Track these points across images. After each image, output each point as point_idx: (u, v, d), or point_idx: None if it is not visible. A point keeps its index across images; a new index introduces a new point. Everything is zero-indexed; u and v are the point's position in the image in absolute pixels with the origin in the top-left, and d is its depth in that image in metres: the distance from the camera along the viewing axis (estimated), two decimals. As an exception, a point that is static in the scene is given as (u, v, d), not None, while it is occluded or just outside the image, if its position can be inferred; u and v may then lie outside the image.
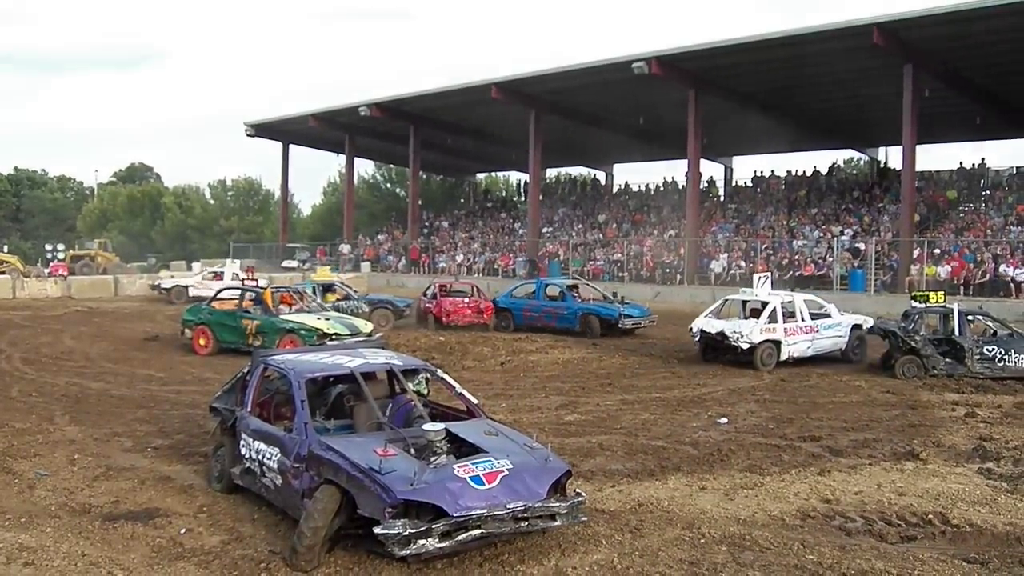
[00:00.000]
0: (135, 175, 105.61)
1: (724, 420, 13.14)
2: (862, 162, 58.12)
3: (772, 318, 18.64)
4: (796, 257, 36.34)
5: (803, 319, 19.05)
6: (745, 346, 18.29)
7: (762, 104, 40.31)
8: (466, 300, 26.88)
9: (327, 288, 26.68)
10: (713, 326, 19.10)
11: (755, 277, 20.95)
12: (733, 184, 52.82)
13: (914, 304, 18.07)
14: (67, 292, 39.33)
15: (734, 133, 44.92)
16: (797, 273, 35.19)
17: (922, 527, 8.17)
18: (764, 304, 19.10)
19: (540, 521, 7.18)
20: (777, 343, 18.49)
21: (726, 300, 20.94)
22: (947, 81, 34.00)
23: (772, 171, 49.37)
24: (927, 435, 12.02)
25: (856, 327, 19.83)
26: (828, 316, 19.82)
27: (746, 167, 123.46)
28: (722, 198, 50.40)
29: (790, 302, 19.45)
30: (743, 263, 37.44)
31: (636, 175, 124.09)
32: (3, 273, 43.68)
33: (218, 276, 37.56)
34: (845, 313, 20.63)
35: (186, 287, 37.23)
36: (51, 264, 50.21)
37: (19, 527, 8.06)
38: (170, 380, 17.08)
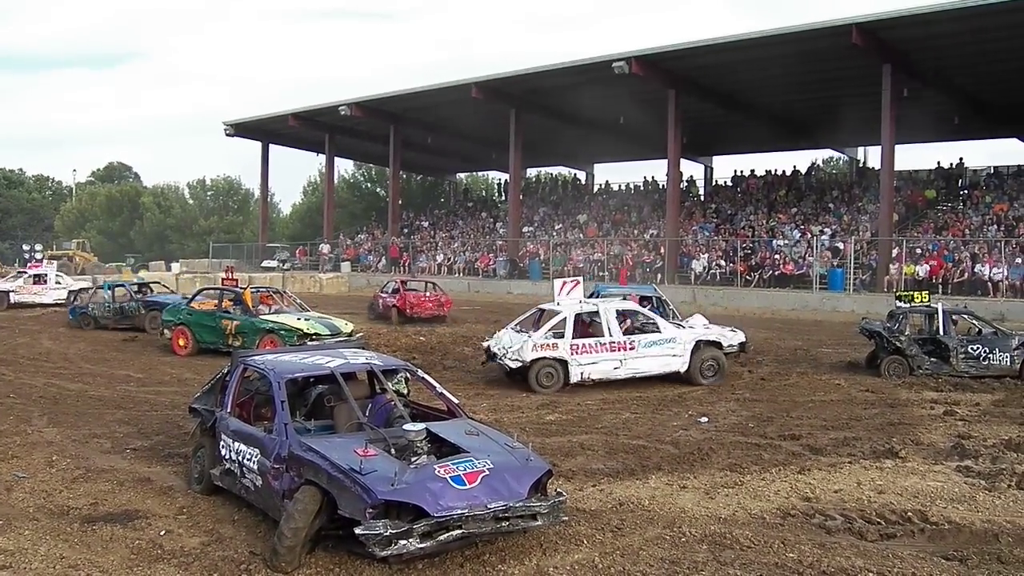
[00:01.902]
0: (114, 175, 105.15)
1: (704, 419, 13.17)
2: (841, 162, 58.37)
3: (558, 332, 16.09)
4: (776, 256, 36.47)
5: (610, 334, 16.14)
6: (513, 365, 15.83)
7: (742, 104, 40.52)
8: (427, 295, 29.14)
9: (119, 287, 28.05)
10: (496, 341, 16.68)
11: (555, 283, 17.70)
12: (713, 183, 53.04)
13: (899, 304, 18.11)
14: (45, 292, 38.93)
15: (714, 132, 45.16)
16: (777, 272, 35.36)
17: (901, 525, 8.20)
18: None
19: (521, 521, 7.16)
20: (563, 362, 15.78)
21: (542, 310, 17.82)
22: (925, 81, 34.23)
23: (752, 170, 49.61)
24: (906, 433, 12.08)
25: (707, 344, 16.70)
26: (656, 331, 16.62)
27: (726, 166, 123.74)
28: (702, 197, 50.57)
29: (592, 313, 16.68)
30: (723, 262, 37.61)
31: (617, 175, 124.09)
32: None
33: (40, 280, 34.10)
34: (691, 326, 17.46)
35: (7, 292, 32.99)
36: (29, 264, 49.97)
37: (-4, 529, 8.01)
38: (149, 381, 16.98)
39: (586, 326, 16.82)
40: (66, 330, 25.66)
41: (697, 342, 16.55)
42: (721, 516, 8.45)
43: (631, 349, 16.16)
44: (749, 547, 7.49)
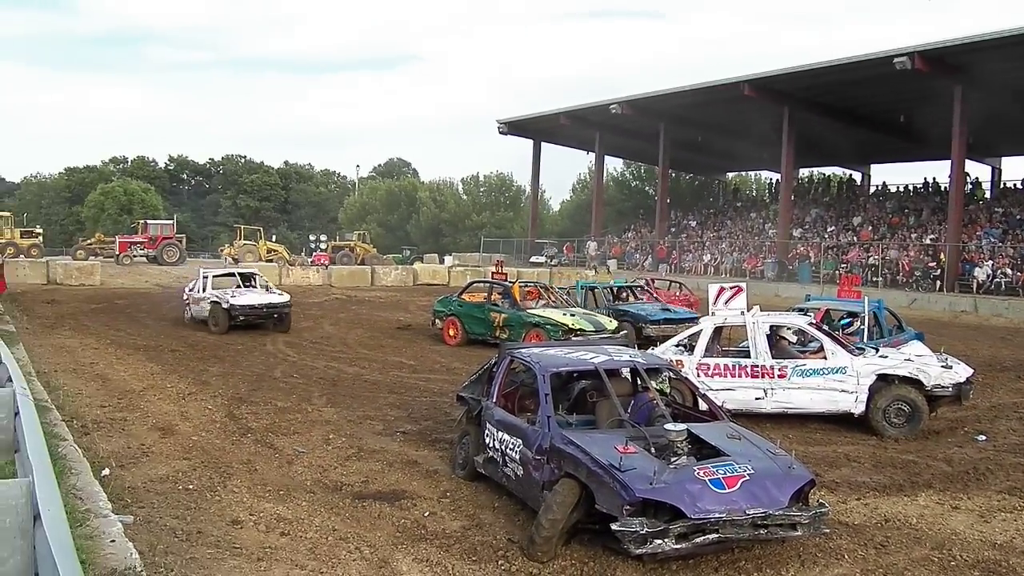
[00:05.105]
0: (393, 170, 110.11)
1: (983, 437, 12.35)
2: None
3: (688, 347, 13.56)
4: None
5: (756, 356, 13.02)
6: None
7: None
8: (676, 294, 27.87)
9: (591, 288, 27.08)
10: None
11: (710, 288, 14.39)
12: (1001, 186, 49.85)
13: None
14: (328, 280, 41.25)
15: (1004, 131, 42.36)
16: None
17: None
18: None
19: (780, 530, 7.01)
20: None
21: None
22: None
23: (1047, 173, 46.24)
24: None
25: (897, 381, 12.51)
26: (821, 354, 13.18)
27: (1016, 168, 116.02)
28: (988, 200, 47.63)
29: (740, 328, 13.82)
30: (1009, 271, 35.26)
31: (894, 176, 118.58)
32: (271, 261, 46.55)
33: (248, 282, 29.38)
34: (902, 355, 13.16)
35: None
36: (314, 254, 53.00)
37: (278, 499, 8.59)
38: (420, 368, 17.68)
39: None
40: (346, 315, 27.03)
41: (880, 376, 12.64)
42: (996, 542, 7.94)
43: (781, 376, 12.92)
44: (1027, 577, 7.03)
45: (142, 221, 50.99)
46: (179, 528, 7.58)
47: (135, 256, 45.38)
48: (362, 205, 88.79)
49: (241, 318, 22.06)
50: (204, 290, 23.23)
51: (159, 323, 23.67)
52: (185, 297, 24.62)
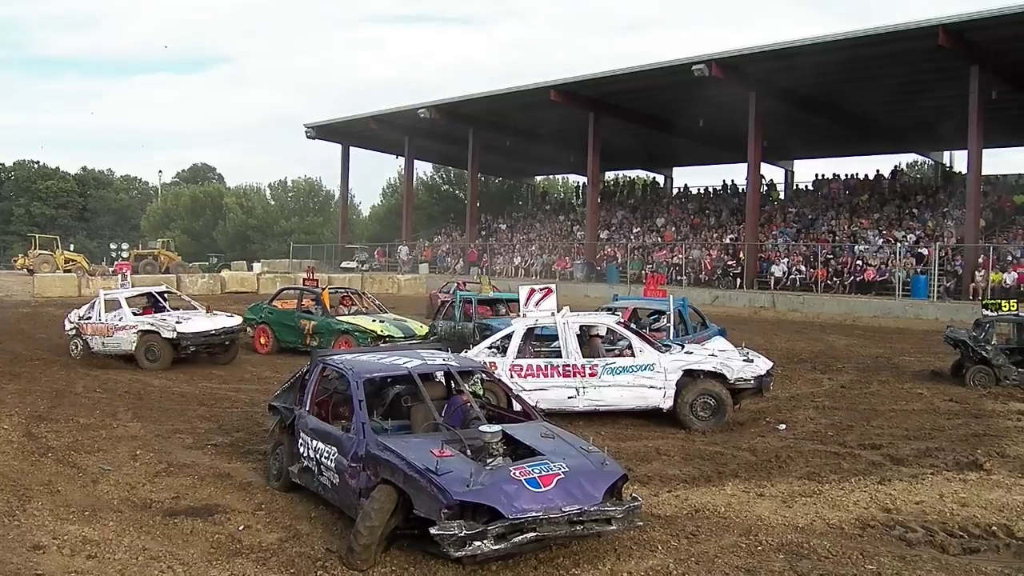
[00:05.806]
0: (198, 176, 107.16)
1: (783, 426, 12.98)
2: (926, 166, 57.15)
3: (500, 349, 13.81)
4: (857, 262, 35.83)
5: (567, 355, 13.24)
6: None
7: (825, 107, 39.88)
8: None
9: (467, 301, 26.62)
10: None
11: (520, 290, 14.56)
12: (794, 187, 52.32)
13: (986, 312, 17.57)
14: (131, 290, 39.58)
15: (796, 136, 44.44)
16: (858, 278, 34.74)
17: (985, 539, 8.01)
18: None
19: (595, 525, 7.14)
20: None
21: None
22: (1015, 83, 33.38)
23: (834, 174, 48.75)
24: (992, 445, 11.74)
25: (703, 376, 13.07)
26: (631, 355, 13.45)
27: (807, 170, 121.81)
28: (782, 201, 49.91)
29: (550, 328, 13.92)
30: (803, 268, 37.05)
31: (696, 178, 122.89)
32: (70, 271, 44.61)
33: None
34: (706, 351, 13.95)
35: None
36: (115, 263, 51.03)
37: (83, 520, 8.22)
38: (230, 378, 17.31)
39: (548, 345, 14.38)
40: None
41: (686, 372, 13.10)
42: (798, 525, 8.34)
43: (592, 375, 13.10)
44: (827, 557, 7.39)
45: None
46: (-26, 557, 7.19)
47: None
48: (165, 212, 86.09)
49: (192, 348, 18.50)
50: (119, 316, 19.02)
51: (-54, 340, 22.35)
52: (70, 328, 20.01)
